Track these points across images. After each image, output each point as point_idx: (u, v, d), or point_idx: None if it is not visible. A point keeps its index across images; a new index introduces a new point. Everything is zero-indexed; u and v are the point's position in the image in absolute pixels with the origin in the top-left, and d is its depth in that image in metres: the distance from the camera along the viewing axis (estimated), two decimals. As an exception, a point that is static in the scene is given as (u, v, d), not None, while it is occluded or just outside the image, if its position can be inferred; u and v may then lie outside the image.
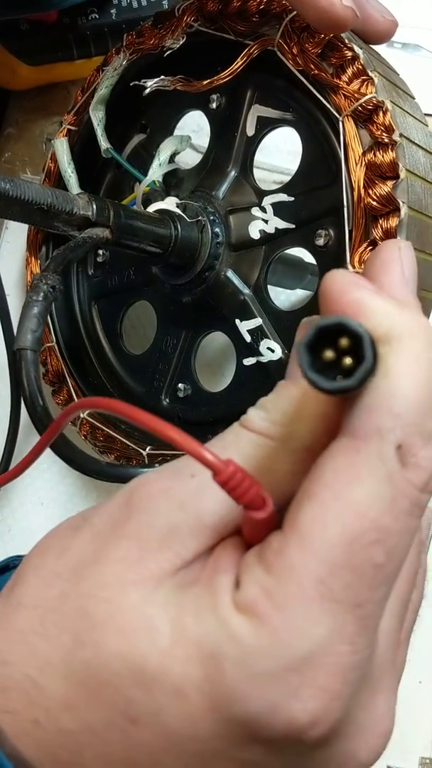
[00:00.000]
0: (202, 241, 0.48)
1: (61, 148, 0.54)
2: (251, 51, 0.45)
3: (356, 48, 0.41)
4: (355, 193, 0.40)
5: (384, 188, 0.39)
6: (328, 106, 0.41)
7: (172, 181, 0.53)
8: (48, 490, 0.63)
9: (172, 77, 0.49)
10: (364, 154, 0.40)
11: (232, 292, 0.49)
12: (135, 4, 0.62)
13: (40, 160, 0.69)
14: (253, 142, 0.49)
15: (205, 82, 0.48)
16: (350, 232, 0.40)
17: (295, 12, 0.42)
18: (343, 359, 0.24)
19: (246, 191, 0.49)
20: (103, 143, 0.52)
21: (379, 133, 0.40)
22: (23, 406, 0.52)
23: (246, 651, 0.24)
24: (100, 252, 0.57)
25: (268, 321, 0.48)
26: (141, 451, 0.49)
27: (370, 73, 0.40)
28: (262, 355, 0.47)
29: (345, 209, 0.40)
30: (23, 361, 0.40)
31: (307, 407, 0.27)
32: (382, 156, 0.39)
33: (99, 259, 0.58)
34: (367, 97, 0.40)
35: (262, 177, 0.57)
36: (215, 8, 0.46)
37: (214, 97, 0.50)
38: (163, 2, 0.62)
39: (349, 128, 0.41)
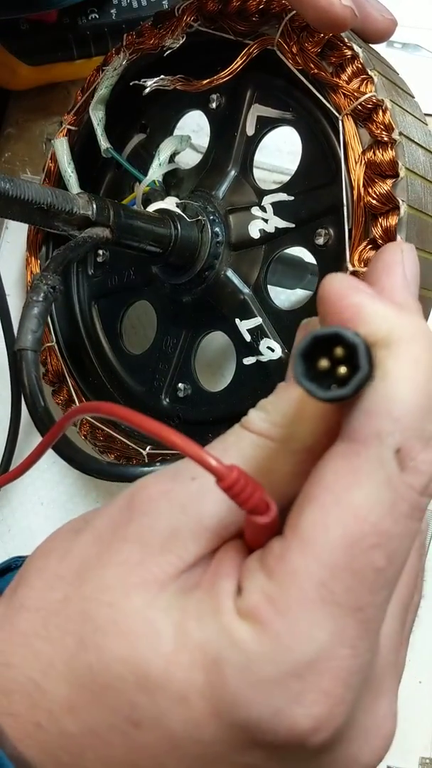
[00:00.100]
0: (202, 240, 0.48)
1: (61, 148, 0.53)
2: (251, 50, 0.45)
3: (356, 47, 0.41)
4: (355, 192, 0.40)
5: (384, 187, 0.39)
6: (328, 105, 0.41)
7: (172, 181, 0.53)
8: (48, 490, 0.63)
9: (171, 77, 0.49)
10: (363, 152, 0.40)
11: (232, 291, 0.49)
12: (135, 4, 0.62)
13: (40, 160, 0.69)
14: (253, 142, 0.49)
15: (204, 82, 0.47)
16: (350, 230, 0.40)
17: (294, 11, 0.42)
18: (338, 368, 0.24)
19: (246, 191, 0.49)
20: (103, 143, 0.52)
21: (378, 131, 0.40)
22: (24, 406, 0.52)
23: (249, 657, 0.24)
24: (100, 252, 0.57)
25: (268, 320, 0.48)
26: (141, 450, 0.49)
27: (369, 72, 0.40)
28: (262, 354, 0.47)
29: (345, 208, 0.40)
30: (24, 361, 0.40)
31: (307, 409, 0.27)
32: (382, 155, 0.39)
33: (99, 259, 0.58)
34: (366, 96, 0.40)
35: (262, 176, 0.57)
36: (215, 8, 0.46)
37: (214, 96, 0.50)
38: (163, 2, 0.62)
39: (348, 127, 0.41)
